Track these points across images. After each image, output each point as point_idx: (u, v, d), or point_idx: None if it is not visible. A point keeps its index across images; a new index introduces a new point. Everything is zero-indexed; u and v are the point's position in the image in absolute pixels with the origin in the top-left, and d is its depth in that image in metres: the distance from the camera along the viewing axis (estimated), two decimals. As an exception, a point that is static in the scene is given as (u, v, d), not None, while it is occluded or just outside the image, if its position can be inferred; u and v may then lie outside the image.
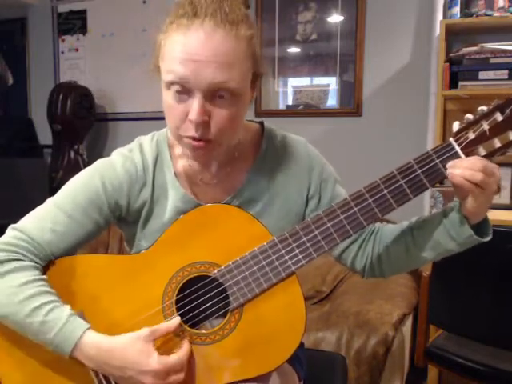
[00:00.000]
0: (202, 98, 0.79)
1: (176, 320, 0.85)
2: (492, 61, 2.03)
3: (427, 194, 2.19)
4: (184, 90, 0.80)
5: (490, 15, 2.07)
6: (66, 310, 0.83)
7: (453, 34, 2.22)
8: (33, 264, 0.86)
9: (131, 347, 0.81)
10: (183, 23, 0.79)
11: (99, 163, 0.95)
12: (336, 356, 1.40)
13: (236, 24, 0.79)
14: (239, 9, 0.82)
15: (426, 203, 2.23)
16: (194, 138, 0.82)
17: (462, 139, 0.81)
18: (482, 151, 0.80)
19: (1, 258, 0.85)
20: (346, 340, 1.75)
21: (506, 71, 2.01)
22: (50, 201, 0.92)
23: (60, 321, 0.82)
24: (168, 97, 0.82)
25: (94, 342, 0.82)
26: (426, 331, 1.69)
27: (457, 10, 2.12)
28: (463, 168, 0.78)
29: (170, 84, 0.81)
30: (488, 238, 0.85)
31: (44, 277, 0.87)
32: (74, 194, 0.91)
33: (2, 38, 3.40)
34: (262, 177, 0.96)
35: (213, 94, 0.80)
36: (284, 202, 0.97)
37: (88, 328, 0.83)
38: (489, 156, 0.80)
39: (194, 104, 0.79)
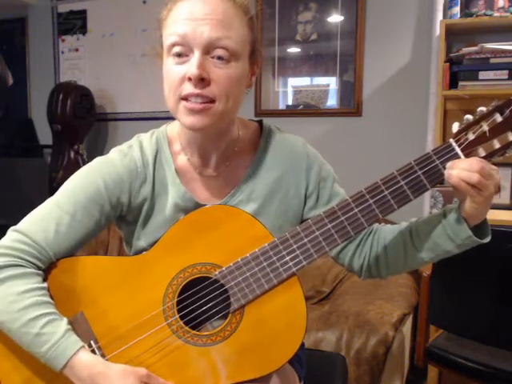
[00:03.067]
0: (201, 54, 0.82)
1: None
2: (492, 61, 2.03)
3: (427, 195, 2.19)
4: (184, 51, 0.83)
5: (490, 15, 2.07)
6: (63, 324, 0.82)
7: (453, 34, 2.22)
8: (34, 270, 0.85)
9: (125, 380, 0.80)
10: None
11: (98, 161, 0.94)
12: (336, 356, 1.40)
13: None
14: None
15: (425, 203, 2.23)
16: (192, 94, 0.83)
17: (461, 140, 0.81)
18: (482, 152, 0.81)
19: (2, 263, 0.83)
20: (346, 340, 1.75)
21: (506, 71, 2.01)
22: (50, 201, 0.91)
23: (55, 335, 0.81)
24: (168, 63, 0.85)
25: (87, 363, 0.81)
26: (426, 331, 1.69)
27: (457, 10, 2.12)
28: (460, 169, 0.78)
29: (171, 46, 0.84)
30: (487, 240, 0.85)
31: (44, 285, 0.86)
32: (75, 193, 0.90)
33: (2, 38, 3.39)
34: (261, 174, 0.96)
35: (211, 51, 0.83)
36: (282, 200, 0.97)
37: (82, 347, 0.82)
38: (488, 157, 0.81)
39: (193, 59, 0.82)
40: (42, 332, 0.80)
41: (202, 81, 0.82)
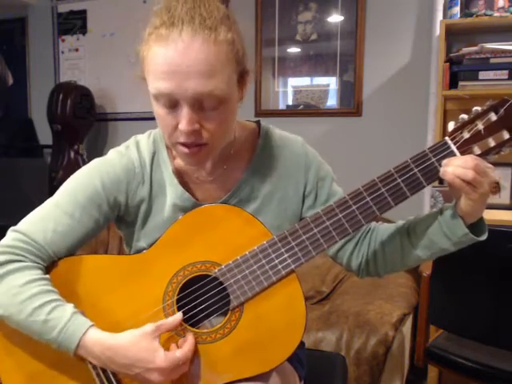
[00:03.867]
0: (189, 108, 0.79)
1: (178, 315, 0.85)
2: (492, 61, 2.03)
3: (427, 194, 2.19)
4: (171, 102, 0.80)
5: (490, 15, 2.07)
6: (69, 308, 0.83)
7: (453, 34, 2.22)
8: (35, 264, 0.86)
9: (137, 345, 0.81)
10: (162, 34, 0.78)
11: (96, 162, 0.95)
12: (336, 356, 1.40)
13: (214, 29, 0.78)
14: (217, 10, 0.81)
15: (425, 203, 2.23)
16: (185, 145, 0.83)
17: (457, 138, 0.82)
18: (477, 150, 0.82)
19: (2, 259, 0.85)
20: (346, 340, 1.75)
21: (506, 71, 2.01)
22: (49, 201, 0.92)
23: (63, 319, 0.82)
24: (156, 107, 0.83)
25: (97, 340, 0.82)
26: (426, 331, 1.69)
27: (457, 10, 2.12)
28: (455, 166, 0.79)
29: (156, 96, 0.81)
30: (483, 238, 0.86)
31: (46, 276, 0.87)
32: (74, 193, 0.91)
33: (2, 38, 3.39)
34: (259, 175, 0.96)
35: (200, 103, 0.80)
36: (281, 200, 0.97)
37: (91, 325, 0.83)
38: (484, 155, 0.82)
39: (183, 115, 0.80)
40: (49, 318, 0.82)
41: (194, 132, 0.81)
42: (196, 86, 0.77)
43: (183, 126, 0.80)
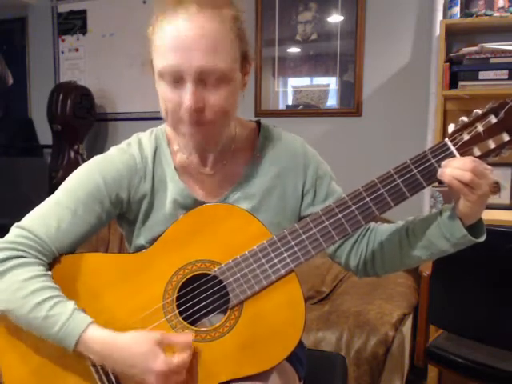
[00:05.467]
0: (193, 84, 0.81)
1: (189, 336, 0.85)
2: (492, 61, 2.03)
3: (427, 194, 2.19)
4: (176, 79, 0.82)
5: (490, 15, 2.07)
6: (70, 304, 0.84)
7: (453, 34, 2.22)
8: (37, 260, 0.87)
9: (139, 346, 0.81)
10: (169, 12, 0.81)
11: (97, 158, 0.95)
12: (336, 356, 1.40)
13: (219, 6, 0.82)
14: None
15: (425, 203, 2.23)
16: (190, 123, 0.84)
17: (457, 140, 0.83)
18: (477, 152, 0.82)
19: (5, 255, 0.85)
20: (346, 340, 1.75)
21: (506, 71, 2.01)
22: (51, 198, 0.92)
23: (63, 315, 0.82)
24: (161, 87, 0.85)
25: (98, 337, 0.82)
26: (426, 331, 1.69)
27: (457, 10, 2.12)
28: (453, 167, 0.79)
29: (162, 74, 0.83)
30: (482, 239, 0.86)
31: (48, 272, 0.87)
32: (75, 189, 0.91)
33: (2, 38, 3.39)
34: (259, 172, 0.97)
35: (204, 79, 0.82)
36: (280, 197, 0.97)
37: (91, 322, 0.83)
38: (483, 156, 0.82)
39: (187, 91, 0.81)
40: (50, 314, 0.82)
41: (198, 109, 0.82)
42: (201, 60, 0.79)
43: (187, 101, 0.81)
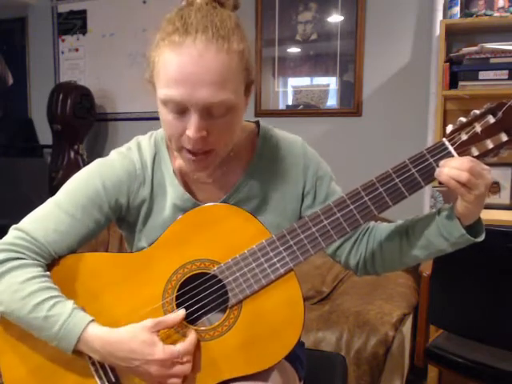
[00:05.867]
0: (198, 115, 0.79)
1: (181, 312, 0.86)
2: (492, 61, 2.03)
3: (427, 194, 2.19)
4: (180, 108, 0.80)
5: (490, 15, 2.07)
6: (69, 304, 0.84)
7: (453, 34, 2.22)
8: (35, 262, 0.87)
9: (135, 338, 0.82)
10: (175, 40, 0.78)
11: (98, 162, 0.95)
12: (336, 356, 1.40)
13: (227, 39, 0.79)
14: (230, 19, 0.81)
15: (425, 203, 2.23)
16: (192, 152, 0.83)
17: (455, 139, 0.83)
18: (475, 151, 0.83)
19: (3, 257, 0.85)
20: (346, 340, 1.75)
21: (506, 71, 2.01)
22: (50, 201, 0.92)
23: (63, 315, 0.82)
24: (164, 112, 0.83)
25: (98, 335, 0.83)
26: (426, 331, 1.69)
27: (457, 10, 2.12)
28: (450, 167, 0.80)
29: (165, 102, 0.81)
30: (481, 239, 0.86)
31: (47, 273, 0.87)
32: (75, 193, 0.91)
33: (2, 38, 3.40)
34: (259, 175, 0.97)
35: (209, 111, 0.80)
36: (280, 199, 0.97)
37: (92, 320, 0.84)
38: (481, 156, 0.83)
39: (192, 122, 0.80)
40: (50, 314, 0.82)
41: (201, 138, 0.81)
42: (207, 95, 0.77)
43: (191, 132, 0.80)
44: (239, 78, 0.82)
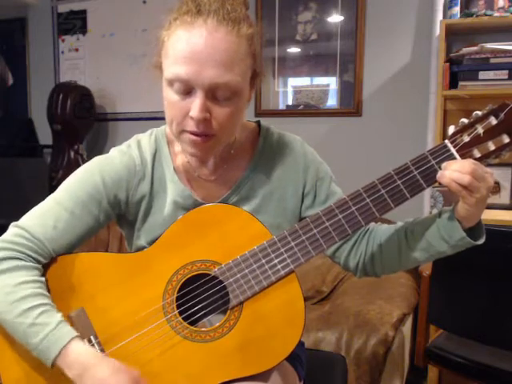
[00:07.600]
0: (203, 96, 0.80)
1: None
2: (492, 61, 2.03)
3: (427, 195, 2.19)
4: (186, 88, 0.81)
5: (490, 15, 2.07)
6: (57, 315, 0.83)
7: (453, 34, 2.22)
8: (32, 264, 0.86)
9: (115, 375, 0.80)
10: (187, 20, 0.80)
11: (97, 159, 0.95)
12: (336, 356, 1.40)
13: (238, 22, 0.81)
14: (240, 8, 0.83)
15: (426, 204, 2.23)
16: (194, 133, 0.83)
17: (457, 141, 0.83)
18: (477, 153, 0.83)
19: (1, 255, 0.85)
20: (346, 340, 1.75)
21: (506, 71, 2.01)
22: (50, 198, 0.92)
23: (49, 326, 0.81)
24: (169, 93, 0.84)
25: (79, 354, 0.81)
26: (426, 331, 1.69)
27: (457, 10, 2.12)
28: (452, 170, 0.80)
29: (172, 82, 0.82)
30: (481, 242, 0.86)
31: (41, 279, 0.86)
32: (74, 190, 0.91)
33: (2, 38, 3.39)
34: (259, 174, 0.97)
35: (214, 92, 0.81)
36: (280, 199, 0.97)
37: (76, 336, 0.82)
38: (483, 158, 0.82)
39: (196, 102, 0.81)
40: (36, 322, 0.81)
41: (204, 120, 0.82)
42: (214, 75, 0.79)
43: (195, 112, 0.80)
44: (246, 63, 0.83)
